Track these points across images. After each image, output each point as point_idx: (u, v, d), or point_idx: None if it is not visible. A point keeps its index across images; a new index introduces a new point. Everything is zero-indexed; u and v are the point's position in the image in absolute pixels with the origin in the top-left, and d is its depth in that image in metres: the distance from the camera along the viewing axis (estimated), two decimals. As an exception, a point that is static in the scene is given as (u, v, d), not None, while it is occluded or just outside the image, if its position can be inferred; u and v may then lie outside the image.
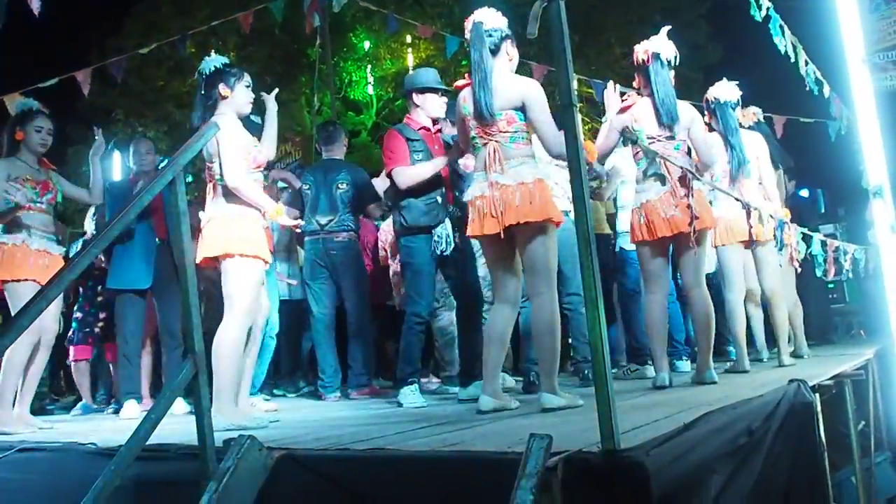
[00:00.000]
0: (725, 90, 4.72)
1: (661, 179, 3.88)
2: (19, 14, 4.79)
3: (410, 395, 4.03)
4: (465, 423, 2.87)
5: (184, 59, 12.82)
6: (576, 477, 1.80)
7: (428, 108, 4.29)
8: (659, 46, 3.97)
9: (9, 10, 4.41)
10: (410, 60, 14.82)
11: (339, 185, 5.14)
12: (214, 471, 2.23)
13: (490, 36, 3.36)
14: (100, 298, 5.63)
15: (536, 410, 3.15)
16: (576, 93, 2.08)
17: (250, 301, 3.44)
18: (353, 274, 5.12)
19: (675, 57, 4.01)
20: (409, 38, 14.65)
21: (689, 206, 3.81)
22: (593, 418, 1.86)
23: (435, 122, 4.37)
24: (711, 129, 4.64)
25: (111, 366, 5.69)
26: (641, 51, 4.00)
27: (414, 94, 4.31)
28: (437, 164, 4.13)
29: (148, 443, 2.30)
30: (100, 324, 5.63)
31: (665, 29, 4.03)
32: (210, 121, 3.24)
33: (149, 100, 14.51)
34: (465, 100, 3.41)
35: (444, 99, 4.32)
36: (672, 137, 3.91)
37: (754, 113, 5.24)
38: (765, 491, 2.43)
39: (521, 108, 3.29)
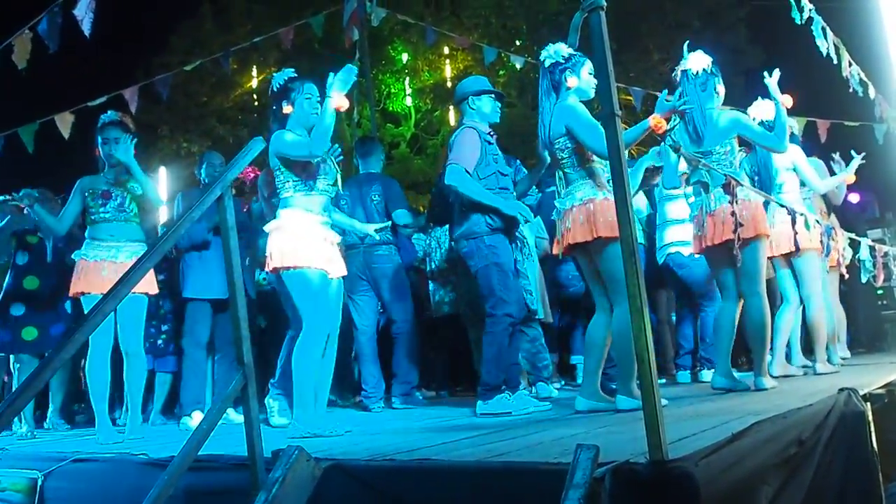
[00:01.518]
0: (763, 110, 4.63)
1: (705, 187, 3.87)
2: (69, 35, 4.95)
3: (517, 401, 3.87)
4: (512, 433, 2.87)
5: (226, 75, 13.04)
6: (624, 488, 1.79)
7: (484, 111, 4.31)
8: (687, 64, 4.05)
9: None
10: (448, 71, 14.90)
11: (373, 198, 5.17)
12: (263, 481, 2.26)
13: (550, 73, 3.70)
14: (163, 311, 5.67)
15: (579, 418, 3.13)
16: (617, 101, 2.08)
17: (314, 310, 3.45)
18: (394, 284, 5.14)
19: (710, 66, 4.01)
20: (446, 50, 14.74)
21: (732, 214, 3.79)
22: (640, 428, 1.85)
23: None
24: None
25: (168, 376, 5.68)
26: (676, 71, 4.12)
27: (470, 99, 4.32)
28: (501, 206, 4.04)
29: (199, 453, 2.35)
30: (163, 336, 5.66)
31: (688, 50, 4.10)
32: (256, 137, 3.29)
33: (192, 115, 14.79)
34: None
35: (498, 103, 4.34)
36: (710, 152, 3.92)
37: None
38: (816, 502, 2.39)
39: (568, 135, 3.56)
